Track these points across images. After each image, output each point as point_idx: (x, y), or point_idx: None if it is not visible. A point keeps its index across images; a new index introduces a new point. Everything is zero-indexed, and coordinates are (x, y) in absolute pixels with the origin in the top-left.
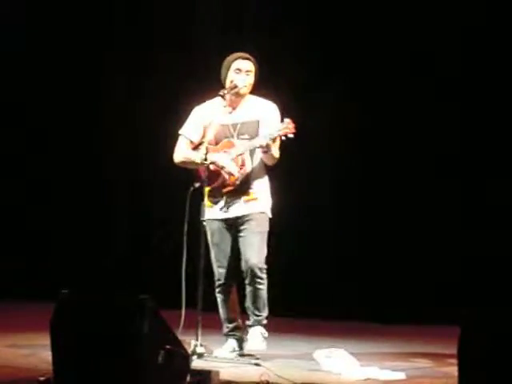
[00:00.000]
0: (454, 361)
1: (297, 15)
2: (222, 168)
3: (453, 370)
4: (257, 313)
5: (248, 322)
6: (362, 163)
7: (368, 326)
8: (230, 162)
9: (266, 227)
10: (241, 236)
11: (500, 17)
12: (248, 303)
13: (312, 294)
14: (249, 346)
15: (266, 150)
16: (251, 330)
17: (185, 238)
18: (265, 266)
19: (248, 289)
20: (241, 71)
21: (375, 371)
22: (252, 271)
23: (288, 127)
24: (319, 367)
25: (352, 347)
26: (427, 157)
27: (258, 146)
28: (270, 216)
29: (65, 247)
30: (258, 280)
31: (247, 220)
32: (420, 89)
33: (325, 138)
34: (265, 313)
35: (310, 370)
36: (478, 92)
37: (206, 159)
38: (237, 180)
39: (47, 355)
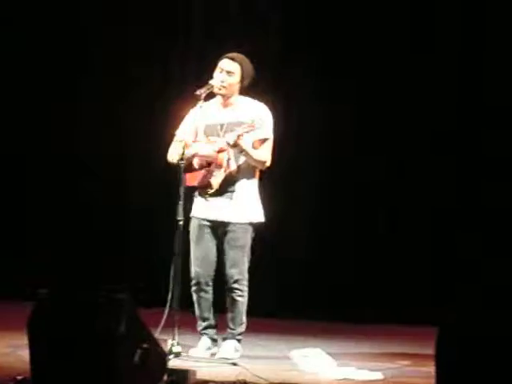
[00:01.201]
0: (432, 361)
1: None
2: (202, 155)
3: (430, 370)
4: (231, 326)
5: (224, 334)
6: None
7: (345, 326)
8: (212, 151)
9: (247, 239)
10: (221, 246)
11: None
12: (227, 313)
13: (288, 293)
14: (220, 354)
15: (239, 149)
16: (224, 342)
17: (177, 238)
18: (245, 277)
19: (227, 298)
20: (222, 71)
21: (352, 371)
22: (230, 282)
23: (252, 125)
24: (296, 367)
25: (329, 347)
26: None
27: (227, 141)
28: (261, 220)
29: (41, 246)
30: (236, 291)
31: (229, 231)
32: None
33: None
34: (240, 328)
35: (287, 370)
36: None
37: (183, 154)
38: (218, 177)
39: (25, 354)
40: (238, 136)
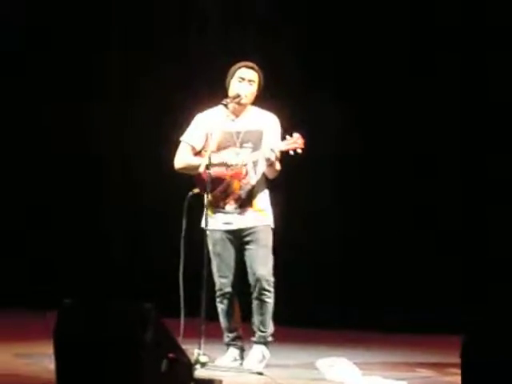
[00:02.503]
0: (457, 370)
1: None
2: (231, 165)
3: (456, 379)
4: (262, 328)
5: (253, 338)
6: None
7: (370, 335)
8: (238, 159)
9: (271, 240)
10: (247, 249)
11: None
12: (254, 318)
13: (314, 302)
14: (245, 364)
15: (271, 162)
16: (253, 348)
17: (182, 244)
18: (272, 279)
19: (254, 302)
20: (244, 80)
21: (378, 380)
22: (259, 284)
23: (297, 142)
24: (322, 376)
25: (354, 356)
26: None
27: (262, 156)
28: (273, 227)
29: (65, 256)
30: (265, 293)
31: (253, 232)
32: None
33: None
34: (270, 329)
35: (313, 380)
36: None
37: (209, 165)
38: (241, 189)
39: (50, 364)
40: (282, 152)
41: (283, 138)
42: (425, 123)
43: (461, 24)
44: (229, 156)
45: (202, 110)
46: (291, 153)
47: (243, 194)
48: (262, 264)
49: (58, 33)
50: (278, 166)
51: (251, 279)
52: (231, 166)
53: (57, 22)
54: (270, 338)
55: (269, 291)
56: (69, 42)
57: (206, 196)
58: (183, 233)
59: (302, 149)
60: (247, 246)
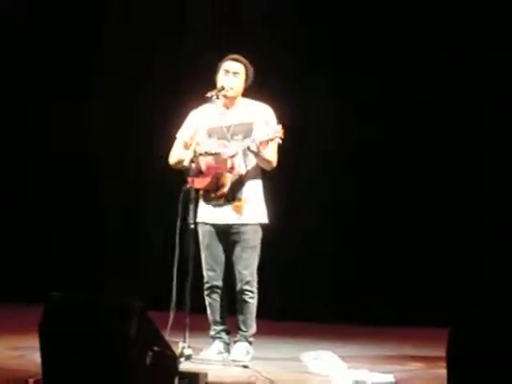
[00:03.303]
0: (443, 363)
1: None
2: (216, 154)
3: (442, 372)
4: (243, 328)
5: (234, 338)
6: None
7: (355, 328)
8: (226, 155)
9: (257, 240)
10: (232, 248)
11: None
12: (237, 316)
13: (300, 295)
14: (231, 357)
15: (255, 152)
16: (236, 345)
17: (177, 239)
18: (255, 279)
19: (238, 299)
20: (228, 72)
21: (364, 374)
22: (241, 284)
23: (278, 131)
24: (307, 369)
25: (340, 350)
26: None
27: (246, 147)
28: (266, 221)
29: (53, 249)
30: (247, 293)
31: (238, 232)
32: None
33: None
34: (251, 330)
35: (298, 372)
36: None
37: (194, 158)
38: (231, 181)
39: (36, 357)
40: (262, 143)
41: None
42: (425, 123)
43: None
44: (213, 145)
45: (197, 106)
46: (271, 142)
47: (233, 185)
48: (245, 265)
49: (57, 33)
50: (268, 156)
51: (235, 277)
52: (215, 154)
53: (56, 21)
54: (251, 339)
55: (251, 291)
56: (67, 40)
57: (192, 189)
58: (178, 225)
59: (282, 139)
60: (234, 245)
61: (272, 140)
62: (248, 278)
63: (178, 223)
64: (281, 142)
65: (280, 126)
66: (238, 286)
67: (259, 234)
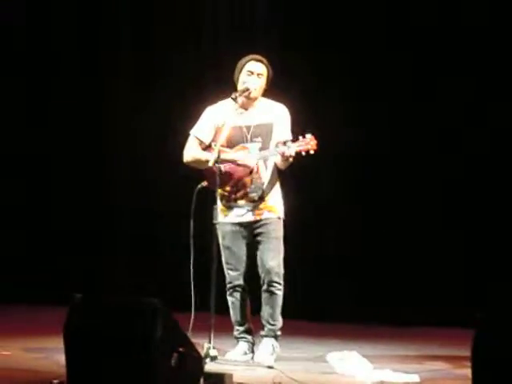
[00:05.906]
0: (469, 363)
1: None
2: (238, 161)
3: (467, 372)
4: (271, 322)
5: (262, 332)
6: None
7: (382, 329)
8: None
9: (281, 232)
10: (257, 241)
11: None
12: (263, 311)
13: (324, 296)
14: (256, 358)
15: (286, 157)
16: (263, 341)
17: (191, 237)
18: (282, 271)
19: (264, 295)
20: (252, 73)
21: (388, 374)
22: (269, 276)
23: (310, 143)
24: (332, 370)
25: (365, 350)
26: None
27: (273, 154)
28: (284, 218)
29: (76, 251)
30: (275, 285)
31: (264, 224)
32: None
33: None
34: (279, 323)
35: (324, 373)
36: None
37: (218, 160)
38: (252, 183)
39: (60, 358)
40: (296, 153)
41: (296, 138)
42: (429, 123)
43: None
44: (239, 155)
45: (212, 102)
46: (303, 154)
47: (254, 188)
48: (272, 256)
49: (57, 33)
50: (290, 159)
51: (261, 271)
52: (239, 162)
53: (57, 22)
54: (279, 332)
55: (278, 283)
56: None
57: (216, 190)
58: (192, 225)
59: (315, 150)
60: (258, 238)
61: (306, 151)
62: (276, 270)
63: (192, 222)
64: (313, 153)
65: (312, 137)
66: (266, 279)
67: (282, 228)
